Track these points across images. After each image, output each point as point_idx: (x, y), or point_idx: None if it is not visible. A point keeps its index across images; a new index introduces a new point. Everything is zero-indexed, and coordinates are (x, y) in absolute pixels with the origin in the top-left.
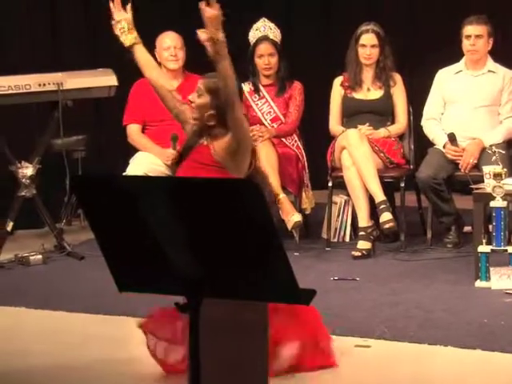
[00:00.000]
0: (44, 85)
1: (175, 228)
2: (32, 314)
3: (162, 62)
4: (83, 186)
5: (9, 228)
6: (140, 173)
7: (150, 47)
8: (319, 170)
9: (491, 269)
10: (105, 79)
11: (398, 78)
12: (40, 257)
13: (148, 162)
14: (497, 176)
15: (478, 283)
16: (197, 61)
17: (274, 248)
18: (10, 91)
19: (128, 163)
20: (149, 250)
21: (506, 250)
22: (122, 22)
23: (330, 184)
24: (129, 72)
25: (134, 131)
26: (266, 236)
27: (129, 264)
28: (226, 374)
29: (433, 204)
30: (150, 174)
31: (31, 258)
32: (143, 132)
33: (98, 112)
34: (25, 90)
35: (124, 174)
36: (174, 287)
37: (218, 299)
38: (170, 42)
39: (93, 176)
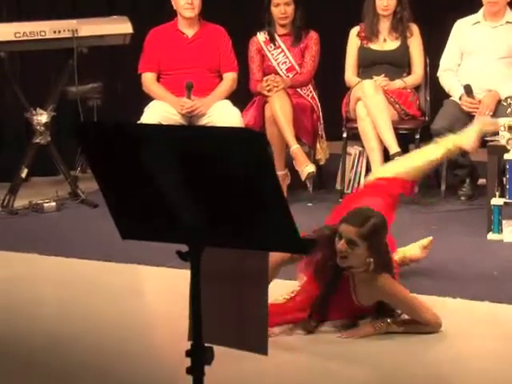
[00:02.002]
0: (59, 32)
1: (178, 176)
2: (44, 260)
3: (178, 9)
4: (87, 133)
5: (23, 174)
6: (154, 121)
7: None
8: (334, 120)
9: (504, 221)
10: (120, 27)
11: (415, 28)
12: (54, 204)
13: (162, 110)
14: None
15: (491, 236)
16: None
17: (275, 198)
18: (25, 37)
19: (143, 111)
20: (151, 198)
21: None
22: None
23: (344, 135)
24: (144, 20)
25: (148, 79)
26: (268, 185)
27: (132, 212)
28: (226, 321)
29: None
30: (164, 123)
31: (45, 205)
32: (158, 81)
33: (114, 60)
34: (40, 37)
35: (138, 122)
36: (176, 236)
37: (218, 248)
38: None
39: (97, 123)
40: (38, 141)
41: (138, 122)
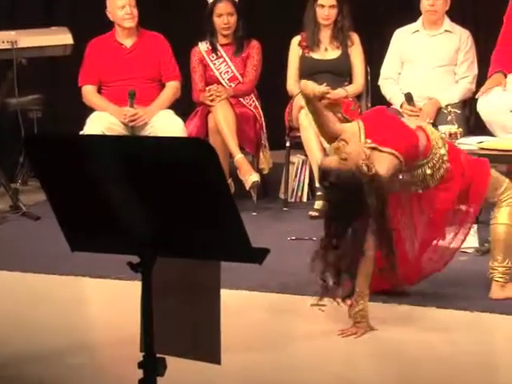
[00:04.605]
0: None
1: (128, 187)
2: None
3: (116, 20)
4: (36, 145)
5: None
6: (97, 132)
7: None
8: (277, 130)
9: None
10: (60, 37)
11: (355, 37)
12: None
13: (105, 121)
14: (452, 135)
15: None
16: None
17: (226, 207)
18: None
19: (85, 122)
20: (101, 209)
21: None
22: None
23: (287, 144)
24: (84, 30)
25: (89, 92)
26: (219, 195)
27: (81, 224)
28: (178, 331)
29: None
30: (108, 133)
31: None
32: (100, 92)
33: (54, 71)
34: None
35: (81, 133)
36: (127, 247)
37: (170, 258)
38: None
39: (45, 135)
40: None
41: (81, 133)
